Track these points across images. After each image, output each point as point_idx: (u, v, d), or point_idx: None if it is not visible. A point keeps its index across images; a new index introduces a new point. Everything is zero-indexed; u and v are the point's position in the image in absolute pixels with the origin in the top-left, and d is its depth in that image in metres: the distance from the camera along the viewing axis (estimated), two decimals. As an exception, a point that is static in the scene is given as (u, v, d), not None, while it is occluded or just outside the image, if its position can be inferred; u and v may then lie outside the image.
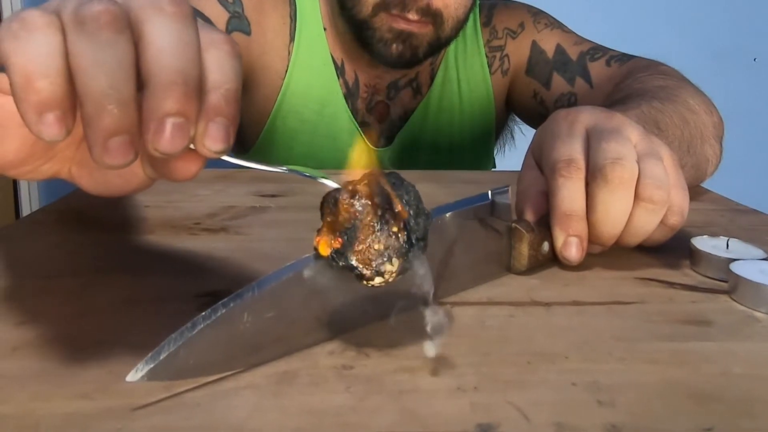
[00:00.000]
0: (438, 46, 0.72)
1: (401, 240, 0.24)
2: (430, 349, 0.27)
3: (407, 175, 0.27)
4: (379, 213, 0.24)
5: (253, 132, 0.80)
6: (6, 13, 1.48)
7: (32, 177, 0.27)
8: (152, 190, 0.56)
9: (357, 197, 0.24)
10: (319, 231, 0.25)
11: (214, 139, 0.22)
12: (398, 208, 0.25)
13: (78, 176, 0.27)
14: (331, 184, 0.26)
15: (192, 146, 0.22)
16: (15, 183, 1.62)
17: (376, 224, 0.24)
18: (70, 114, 0.21)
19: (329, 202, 0.25)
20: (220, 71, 0.23)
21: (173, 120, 0.21)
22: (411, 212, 0.25)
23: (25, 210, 1.63)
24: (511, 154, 0.91)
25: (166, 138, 0.21)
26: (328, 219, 0.25)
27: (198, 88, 0.22)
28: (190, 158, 0.24)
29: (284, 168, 0.25)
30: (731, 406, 0.25)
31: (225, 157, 0.24)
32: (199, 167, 0.24)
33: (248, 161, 0.25)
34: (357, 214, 0.24)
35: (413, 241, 0.25)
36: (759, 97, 1.79)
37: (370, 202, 0.24)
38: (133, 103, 0.21)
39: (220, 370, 0.25)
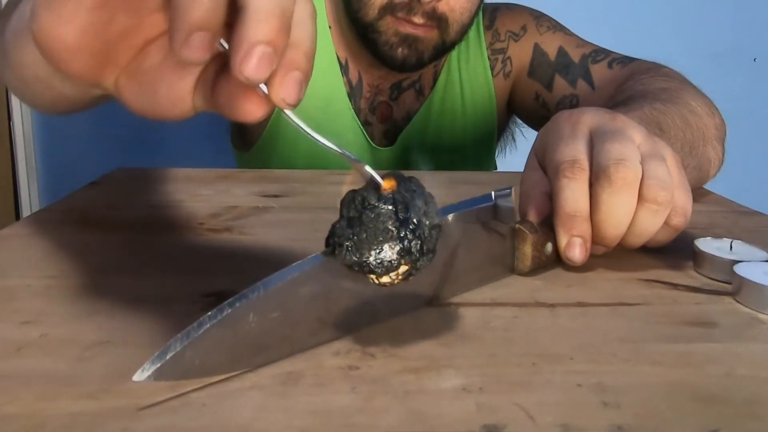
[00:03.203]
0: (443, 50, 0.73)
1: (413, 248, 0.25)
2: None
3: (409, 175, 0.27)
4: (398, 218, 0.25)
5: (257, 128, 0.80)
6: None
7: (83, 79, 0.24)
8: (154, 190, 0.56)
9: (381, 199, 0.25)
10: (334, 225, 0.26)
11: (289, 91, 0.23)
12: (415, 218, 0.25)
13: (124, 88, 0.26)
14: (374, 174, 0.26)
15: (264, 89, 0.23)
16: (15, 183, 1.62)
17: (392, 228, 0.25)
18: None
19: (356, 199, 0.25)
20: (302, 29, 0.23)
21: (263, 48, 0.21)
22: (427, 222, 0.25)
23: (25, 210, 1.62)
24: (512, 156, 0.91)
25: (253, 64, 0.21)
26: (351, 215, 0.25)
27: (289, 27, 0.22)
28: (260, 102, 0.24)
29: (338, 150, 0.26)
30: (736, 407, 0.25)
31: (288, 113, 0.24)
32: (264, 112, 0.24)
33: (311, 130, 0.25)
34: (378, 215, 0.25)
35: (424, 250, 0.25)
36: (759, 97, 1.78)
37: (391, 207, 0.25)
38: (223, 5, 0.21)
39: (226, 370, 0.25)
